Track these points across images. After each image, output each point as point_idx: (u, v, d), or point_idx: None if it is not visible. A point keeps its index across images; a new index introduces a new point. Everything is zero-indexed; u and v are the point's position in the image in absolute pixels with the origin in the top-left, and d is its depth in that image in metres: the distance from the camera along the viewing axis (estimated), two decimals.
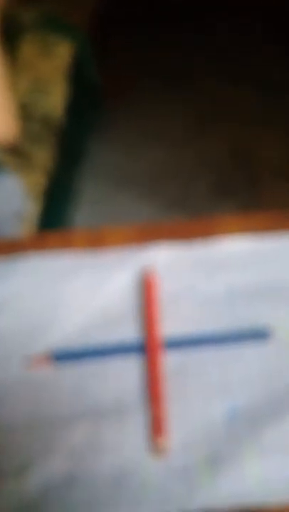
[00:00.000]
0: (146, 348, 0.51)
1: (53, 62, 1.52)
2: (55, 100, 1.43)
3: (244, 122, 1.88)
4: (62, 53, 1.55)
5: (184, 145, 1.85)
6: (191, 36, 2.19)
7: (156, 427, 0.46)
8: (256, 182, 1.72)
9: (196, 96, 1.98)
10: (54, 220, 1.31)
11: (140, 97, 1.98)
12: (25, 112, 1.36)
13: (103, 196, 1.68)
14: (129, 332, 0.53)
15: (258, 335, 0.51)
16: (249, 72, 2.04)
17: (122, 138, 1.87)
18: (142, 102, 1.97)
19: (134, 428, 0.47)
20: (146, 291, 0.56)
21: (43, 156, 1.30)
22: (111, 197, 1.68)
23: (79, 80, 1.57)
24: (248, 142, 1.83)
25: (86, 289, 0.57)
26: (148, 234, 0.61)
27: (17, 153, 1.26)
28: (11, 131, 0.75)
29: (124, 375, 0.50)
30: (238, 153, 1.80)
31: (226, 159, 1.79)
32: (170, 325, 0.53)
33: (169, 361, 0.51)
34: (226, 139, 1.84)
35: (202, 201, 1.67)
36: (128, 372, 0.51)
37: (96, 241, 0.61)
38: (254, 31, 2.18)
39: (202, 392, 0.49)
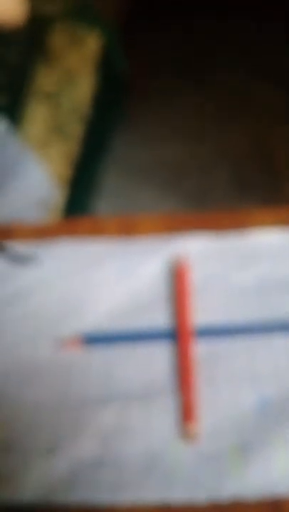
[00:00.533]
0: (177, 335, 0.51)
1: (81, 53, 1.52)
2: (83, 91, 1.44)
3: (265, 116, 1.87)
4: (90, 44, 1.55)
5: (204, 138, 1.84)
6: (216, 30, 2.18)
7: (186, 412, 0.46)
8: (276, 176, 1.71)
9: (218, 90, 1.97)
10: (78, 210, 1.31)
11: (163, 91, 1.98)
12: (53, 102, 1.36)
13: (124, 188, 1.68)
14: (158, 319, 0.53)
15: (287, 326, 0.51)
16: (270, 66, 2.03)
17: (145, 131, 1.87)
18: (165, 95, 1.97)
19: (164, 413, 0.47)
20: (178, 279, 0.56)
21: (70, 146, 1.30)
22: (132, 189, 1.69)
23: (107, 71, 1.57)
24: (268, 136, 1.82)
25: (117, 275, 0.57)
26: (179, 224, 0.61)
27: (43, 142, 1.27)
28: (16, 10, 0.72)
29: (154, 361, 0.51)
30: (259, 148, 1.79)
31: (246, 153, 1.78)
32: (200, 314, 0.53)
33: (199, 349, 0.51)
34: (246, 132, 1.84)
35: (222, 195, 1.67)
36: (157, 358, 0.51)
37: (126, 229, 0.61)
38: (278, 26, 2.17)
39: (232, 380, 0.49)
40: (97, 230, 0.62)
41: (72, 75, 1.44)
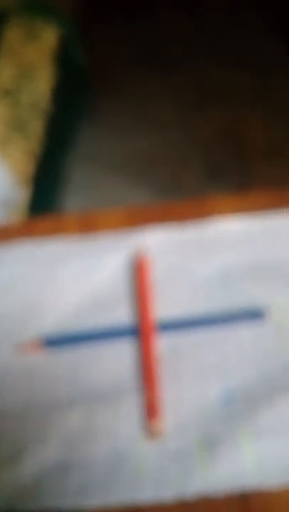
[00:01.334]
0: (140, 331, 0.50)
1: (38, 47, 1.50)
2: (42, 86, 1.41)
3: (234, 104, 1.87)
4: (47, 38, 1.52)
5: (173, 128, 1.83)
6: (180, 18, 2.16)
7: (150, 410, 0.45)
8: (247, 163, 1.71)
9: (185, 78, 1.96)
10: (44, 207, 1.29)
11: (129, 80, 1.97)
12: (12, 99, 1.34)
13: (95, 181, 1.67)
14: (122, 316, 0.53)
15: (252, 315, 0.51)
16: (238, 53, 2.02)
17: (112, 122, 1.86)
18: (131, 85, 1.95)
19: (129, 412, 0.46)
20: (138, 274, 0.55)
21: (31, 143, 1.28)
22: (102, 182, 1.67)
23: (66, 64, 1.55)
24: (238, 123, 1.82)
25: (78, 274, 0.56)
26: (140, 217, 0.60)
27: (3, 140, 1.25)
28: None
29: (118, 359, 0.50)
30: (229, 135, 1.79)
31: (217, 141, 1.78)
32: (164, 307, 0.52)
33: (163, 344, 0.50)
34: (216, 120, 1.83)
35: (195, 183, 1.66)
36: (122, 356, 0.50)
37: (87, 225, 0.60)
38: (244, 11, 2.17)
39: (197, 374, 0.48)
40: (57, 229, 0.61)
41: (30, 70, 1.42)
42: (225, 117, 1.83)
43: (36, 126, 1.32)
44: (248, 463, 0.42)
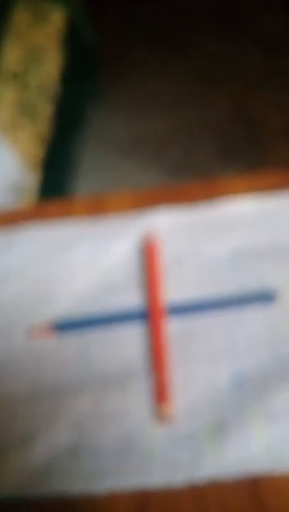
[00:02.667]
0: (149, 315, 0.50)
1: (46, 30, 1.48)
2: (50, 68, 1.40)
3: (246, 82, 1.84)
4: (55, 20, 1.51)
5: (185, 107, 1.81)
6: None
7: (160, 394, 0.45)
8: (260, 142, 1.69)
9: (197, 56, 1.93)
10: (55, 190, 1.29)
11: (138, 61, 1.94)
12: (20, 82, 1.33)
13: (105, 164, 1.66)
14: (132, 299, 0.52)
15: (263, 297, 0.50)
16: (252, 31, 1.99)
17: (122, 103, 1.84)
18: (141, 65, 1.93)
19: (139, 396, 0.46)
20: (148, 257, 0.54)
21: (40, 126, 1.27)
22: (113, 164, 1.66)
23: (74, 46, 1.53)
24: (250, 102, 1.79)
25: (88, 257, 0.56)
26: (150, 199, 0.59)
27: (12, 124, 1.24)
28: None
29: (128, 343, 0.49)
30: (241, 113, 1.77)
31: (229, 120, 1.76)
32: (174, 291, 0.52)
33: (173, 327, 0.49)
34: (228, 99, 1.81)
35: (207, 163, 1.64)
36: (131, 339, 0.49)
37: (97, 208, 0.60)
38: None
39: (207, 358, 0.47)
40: (67, 212, 0.60)
41: (38, 53, 1.40)
42: (237, 95, 1.81)
43: (45, 110, 1.31)
44: (259, 447, 0.42)
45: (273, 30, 1.98)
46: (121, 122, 1.79)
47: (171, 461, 0.42)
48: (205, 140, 1.71)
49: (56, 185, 1.33)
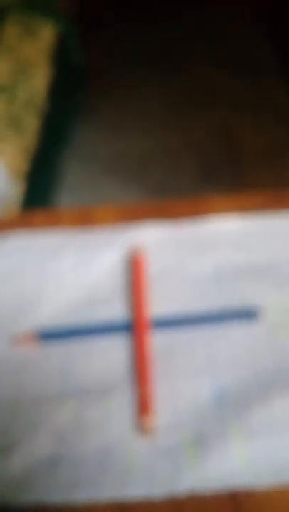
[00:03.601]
0: (134, 328, 0.50)
1: (36, 45, 1.49)
2: (39, 83, 1.41)
3: (228, 105, 1.88)
4: (45, 35, 1.52)
5: (169, 128, 1.84)
6: (178, 19, 2.17)
7: (142, 406, 0.45)
8: (240, 165, 1.72)
9: (182, 79, 1.97)
10: (38, 203, 1.29)
11: (124, 80, 1.97)
12: (8, 95, 1.33)
13: (87, 180, 1.67)
14: (116, 311, 0.52)
15: (245, 315, 0.51)
16: (234, 56, 2.03)
17: (107, 120, 1.86)
18: (127, 84, 1.95)
19: (120, 408, 0.46)
20: (134, 270, 0.55)
21: (26, 139, 1.27)
22: (95, 180, 1.67)
23: (63, 62, 1.54)
24: (231, 125, 1.83)
25: (73, 267, 0.56)
26: (136, 213, 0.60)
27: None
28: None
29: (111, 355, 0.49)
30: (222, 137, 1.80)
31: (211, 142, 1.79)
32: (158, 304, 0.52)
33: (156, 341, 0.50)
34: (210, 122, 1.84)
35: (187, 184, 1.66)
36: (115, 351, 0.50)
37: (84, 219, 0.60)
38: (242, 17, 2.18)
39: (189, 372, 0.48)
40: (53, 222, 0.61)
41: (27, 67, 1.41)
42: (218, 119, 1.84)
43: (31, 123, 1.32)
44: (239, 462, 0.42)
45: (256, 58, 2.03)
46: (104, 140, 1.81)
47: (151, 474, 0.42)
48: (186, 161, 1.73)
49: (39, 198, 1.33)
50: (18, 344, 0.51)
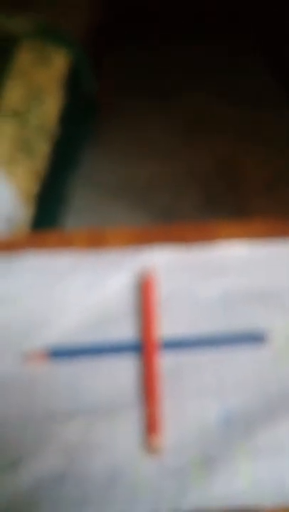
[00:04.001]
0: (143, 348, 0.51)
1: (49, 72, 1.52)
2: (50, 109, 1.44)
3: (230, 135, 1.91)
4: (58, 63, 1.55)
5: (174, 157, 1.86)
6: (183, 52, 2.22)
7: (150, 425, 0.46)
8: (243, 195, 1.74)
9: (186, 110, 2.01)
10: (46, 225, 1.30)
11: (133, 110, 2.00)
12: (20, 119, 1.36)
13: (94, 205, 1.69)
14: (125, 332, 0.53)
15: (253, 339, 0.52)
16: (235, 86, 2.08)
17: (115, 147, 1.89)
18: (134, 114, 1.99)
19: (128, 427, 0.47)
20: (144, 291, 0.56)
21: (36, 163, 1.30)
22: (102, 206, 1.69)
23: (74, 89, 1.58)
24: (234, 154, 1.86)
25: (84, 288, 0.57)
26: (147, 236, 0.61)
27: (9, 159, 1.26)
28: None
29: (120, 374, 0.50)
30: (226, 166, 1.83)
31: (214, 171, 1.81)
32: (166, 326, 0.53)
33: (165, 362, 0.51)
34: (213, 151, 1.87)
35: (191, 212, 1.68)
36: (123, 371, 0.50)
37: (95, 241, 0.61)
38: (245, 50, 2.22)
39: (197, 393, 0.48)
40: (65, 243, 0.62)
41: (39, 93, 1.44)
42: (223, 149, 1.87)
43: (42, 148, 1.34)
44: (244, 482, 0.43)
45: (259, 90, 2.07)
46: (111, 166, 1.83)
47: (158, 492, 0.42)
48: (190, 189, 1.76)
49: (48, 221, 1.35)
50: (28, 361, 0.51)
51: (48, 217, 1.34)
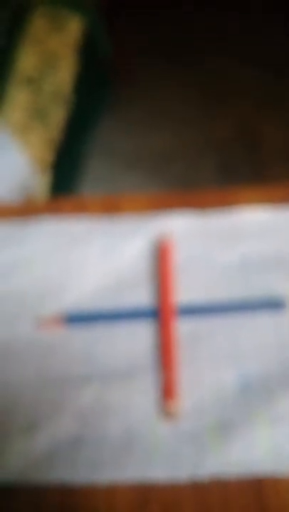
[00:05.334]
0: (160, 314, 0.50)
1: (63, 38, 1.50)
2: (65, 75, 1.42)
3: (250, 101, 1.88)
4: (72, 28, 1.53)
5: (191, 124, 1.84)
6: (203, 17, 2.17)
7: (167, 390, 0.45)
8: (262, 162, 1.71)
9: (205, 76, 1.97)
10: (62, 193, 1.30)
11: (149, 76, 1.97)
12: (34, 87, 1.34)
13: (109, 173, 1.67)
14: (141, 298, 0.53)
15: (272, 304, 0.51)
16: (259, 53, 2.03)
17: (131, 116, 1.86)
18: (151, 80, 1.96)
19: (144, 391, 0.46)
20: (161, 257, 0.55)
21: (51, 131, 1.28)
22: (117, 174, 1.68)
23: (89, 55, 1.55)
24: (254, 123, 1.83)
25: (100, 253, 0.56)
26: (163, 203, 0.60)
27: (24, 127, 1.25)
28: None
29: (136, 340, 0.50)
30: (245, 133, 1.80)
31: (233, 138, 1.79)
32: (183, 292, 0.52)
33: (182, 328, 0.50)
34: (232, 118, 1.84)
35: (209, 181, 1.66)
36: (139, 336, 0.50)
37: (111, 208, 0.60)
38: (267, 14, 2.17)
39: (214, 359, 0.48)
40: (81, 209, 0.61)
41: (53, 60, 1.42)
42: (242, 116, 1.84)
43: (57, 115, 1.33)
44: (262, 449, 0.42)
45: (280, 54, 2.02)
46: (127, 133, 1.81)
47: (175, 457, 0.42)
48: (207, 158, 1.73)
49: (64, 189, 1.34)
50: (44, 326, 0.51)
51: (64, 185, 1.34)
